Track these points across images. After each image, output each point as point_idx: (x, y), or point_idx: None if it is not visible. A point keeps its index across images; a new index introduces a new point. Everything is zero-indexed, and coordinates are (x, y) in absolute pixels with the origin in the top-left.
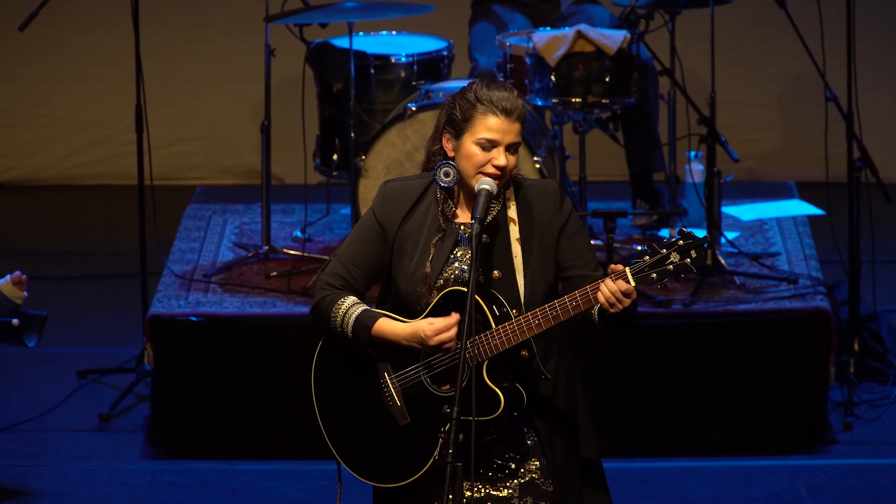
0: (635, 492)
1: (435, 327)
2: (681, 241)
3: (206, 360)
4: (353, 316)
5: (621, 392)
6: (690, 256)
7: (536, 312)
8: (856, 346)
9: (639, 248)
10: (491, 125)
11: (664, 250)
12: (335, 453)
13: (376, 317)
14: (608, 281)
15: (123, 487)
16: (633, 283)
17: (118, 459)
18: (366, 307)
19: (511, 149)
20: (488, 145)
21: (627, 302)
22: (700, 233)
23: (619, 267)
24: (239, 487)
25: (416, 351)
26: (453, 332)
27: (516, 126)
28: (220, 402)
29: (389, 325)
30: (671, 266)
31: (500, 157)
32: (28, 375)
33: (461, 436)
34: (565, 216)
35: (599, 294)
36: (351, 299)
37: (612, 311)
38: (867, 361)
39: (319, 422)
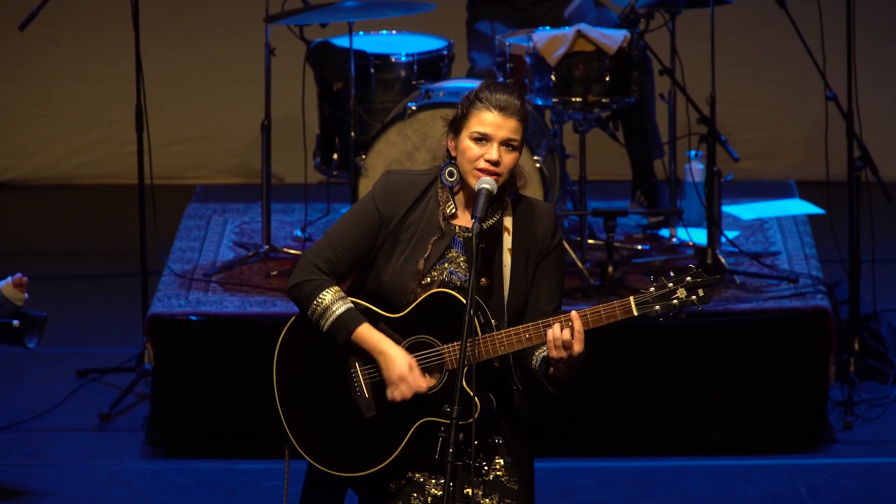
0: (635, 492)
1: (405, 386)
2: (689, 278)
3: (207, 359)
4: (336, 314)
5: (621, 392)
6: (697, 294)
7: (528, 327)
8: (856, 346)
9: (638, 247)
10: (484, 119)
11: (671, 284)
12: (289, 434)
13: (359, 320)
14: (556, 326)
15: (123, 487)
16: (636, 313)
17: (118, 459)
18: (349, 305)
19: (507, 146)
20: (481, 139)
21: (564, 353)
22: (709, 272)
23: (575, 314)
24: (239, 487)
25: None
26: (420, 386)
27: (512, 123)
28: (220, 401)
29: (371, 336)
30: (676, 301)
31: (492, 152)
32: (28, 375)
33: (461, 435)
34: (554, 244)
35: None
36: (334, 292)
37: (553, 353)
38: (867, 361)
39: (277, 400)
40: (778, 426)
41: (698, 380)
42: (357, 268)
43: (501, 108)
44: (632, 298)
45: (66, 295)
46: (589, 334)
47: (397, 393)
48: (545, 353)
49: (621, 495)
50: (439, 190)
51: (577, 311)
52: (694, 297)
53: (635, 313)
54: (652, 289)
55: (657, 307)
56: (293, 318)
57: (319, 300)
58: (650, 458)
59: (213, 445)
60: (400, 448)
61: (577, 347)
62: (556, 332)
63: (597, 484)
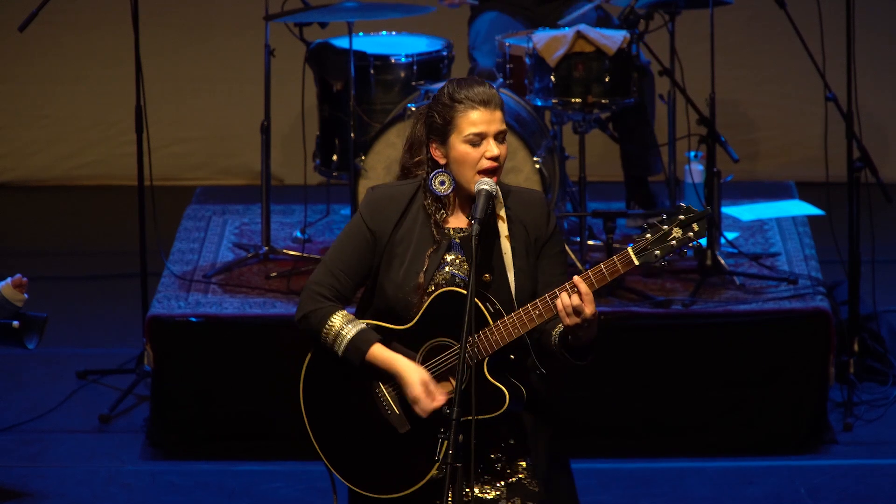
0: (635, 492)
1: (418, 409)
2: (681, 216)
3: (206, 360)
4: (347, 338)
5: (621, 392)
6: (693, 230)
7: (536, 303)
8: (856, 347)
9: None
10: (474, 119)
11: (665, 227)
12: (329, 466)
13: (371, 341)
14: (563, 295)
15: (123, 488)
16: (637, 262)
17: (118, 460)
18: (359, 328)
19: (499, 138)
20: (477, 139)
21: (578, 319)
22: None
23: (578, 278)
24: (239, 488)
25: (411, 357)
26: (436, 404)
27: (498, 114)
28: (219, 402)
29: (383, 355)
30: (674, 241)
31: (492, 148)
32: (28, 376)
33: (461, 436)
34: (551, 230)
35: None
36: (342, 316)
37: (567, 321)
38: (867, 361)
39: (310, 434)
40: (778, 427)
41: (698, 380)
42: (360, 287)
43: (485, 103)
44: (630, 248)
45: (66, 295)
46: (597, 294)
47: (419, 411)
48: (562, 329)
49: (621, 496)
50: (425, 200)
51: (578, 275)
52: (690, 233)
53: (636, 262)
54: (648, 235)
55: (657, 251)
56: (310, 351)
57: (329, 327)
58: (650, 459)
59: (212, 447)
60: (437, 458)
61: (589, 310)
62: (564, 300)
63: (597, 484)
